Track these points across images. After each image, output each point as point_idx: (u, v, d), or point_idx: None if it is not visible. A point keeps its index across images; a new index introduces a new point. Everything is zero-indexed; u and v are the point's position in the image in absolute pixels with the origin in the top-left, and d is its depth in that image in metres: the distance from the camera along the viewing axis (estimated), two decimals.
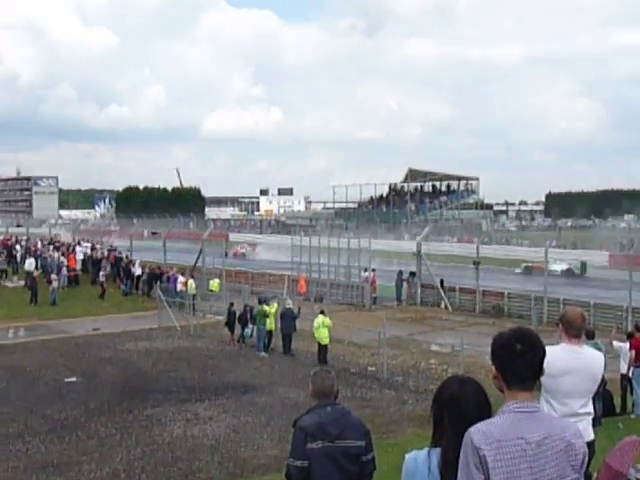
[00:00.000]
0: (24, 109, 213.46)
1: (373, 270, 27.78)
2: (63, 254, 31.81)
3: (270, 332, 18.67)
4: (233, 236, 71.24)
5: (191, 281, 26.46)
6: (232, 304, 20.46)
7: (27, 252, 33.57)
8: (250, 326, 19.48)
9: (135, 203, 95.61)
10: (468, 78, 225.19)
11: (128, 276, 30.12)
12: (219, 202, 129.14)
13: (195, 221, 77.49)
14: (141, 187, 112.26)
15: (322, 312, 17.87)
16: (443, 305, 26.06)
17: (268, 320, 18.54)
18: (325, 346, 17.10)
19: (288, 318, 18.22)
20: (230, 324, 19.95)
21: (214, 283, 28.62)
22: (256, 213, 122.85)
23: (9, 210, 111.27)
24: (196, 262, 31.46)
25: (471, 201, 74.98)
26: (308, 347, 18.00)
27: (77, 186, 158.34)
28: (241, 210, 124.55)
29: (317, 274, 29.08)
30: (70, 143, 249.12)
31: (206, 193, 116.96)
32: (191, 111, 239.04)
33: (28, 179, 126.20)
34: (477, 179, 75.76)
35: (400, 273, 27.67)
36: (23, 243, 36.03)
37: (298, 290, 28.64)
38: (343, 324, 18.92)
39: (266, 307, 18.76)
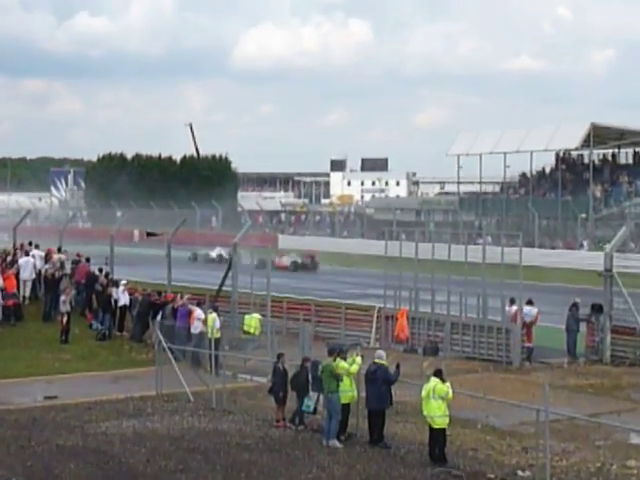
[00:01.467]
0: None
1: (530, 302, 28.64)
2: None
3: (347, 406, 18.86)
4: (285, 240, 71.82)
5: (213, 316, 26.60)
6: (281, 356, 20.51)
7: None
8: (313, 395, 19.55)
9: (118, 183, 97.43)
10: None
11: (107, 306, 30.39)
12: (261, 181, 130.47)
13: (220, 214, 78.43)
14: (128, 156, 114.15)
15: (437, 373, 17.85)
16: None
17: (344, 385, 18.73)
18: (441, 431, 17.31)
19: (378, 382, 18.45)
20: (278, 391, 19.98)
21: (251, 320, 28.74)
22: (324, 201, 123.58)
23: None
24: (222, 284, 31.54)
25: None
26: (413, 432, 18.51)
27: (20, 153, 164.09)
28: (298, 196, 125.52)
29: (428, 307, 29.73)
30: (8, 79, 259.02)
31: (239, 166, 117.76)
32: (215, 27, 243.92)
33: None
34: None
35: (575, 307, 28.59)
36: None
37: (395, 334, 29.51)
38: (473, 395, 19.27)
39: (341, 363, 18.84)
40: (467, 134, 77.98)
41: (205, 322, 26.51)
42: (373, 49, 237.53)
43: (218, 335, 25.78)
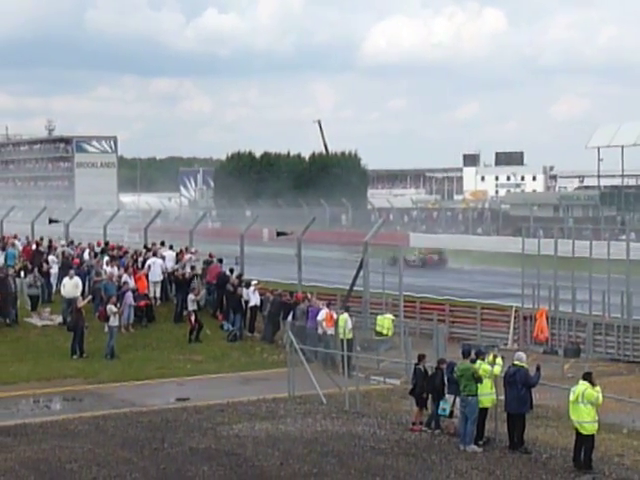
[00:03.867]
0: (59, 25, 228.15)
1: None
2: (127, 270, 32.85)
3: (484, 409, 18.75)
4: (417, 238, 71.55)
5: (344, 317, 26.70)
6: (422, 358, 20.41)
7: (65, 266, 35.03)
8: (449, 397, 19.38)
9: (246, 181, 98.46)
10: None
11: (237, 307, 30.76)
12: (391, 178, 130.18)
13: (350, 212, 78.57)
14: (257, 154, 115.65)
15: (586, 377, 17.48)
16: None
17: (483, 388, 18.57)
18: (589, 437, 17.01)
19: (518, 385, 18.25)
20: (420, 393, 19.96)
21: (384, 320, 28.68)
22: (456, 197, 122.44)
23: (37, 194, 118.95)
24: (353, 283, 31.54)
25: None
26: (554, 437, 18.35)
27: (149, 154, 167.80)
28: (430, 192, 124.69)
29: (569, 306, 29.49)
30: (137, 77, 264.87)
31: (369, 163, 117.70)
32: (343, 21, 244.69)
33: (66, 141, 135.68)
34: None
35: None
36: (60, 251, 37.62)
37: (534, 335, 29.36)
38: (619, 398, 19.04)
39: (478, 364, 18.70)
40: (608, 126, 76.27)
41: (335, 323, 26.61)
42: (508, 39, 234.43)
43: (350, 336, 25.83)
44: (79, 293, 30.82)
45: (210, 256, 35.45)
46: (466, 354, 18.99)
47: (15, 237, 41.17)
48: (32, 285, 32.86)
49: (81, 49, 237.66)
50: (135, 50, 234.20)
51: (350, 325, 26.41)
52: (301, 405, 21.92)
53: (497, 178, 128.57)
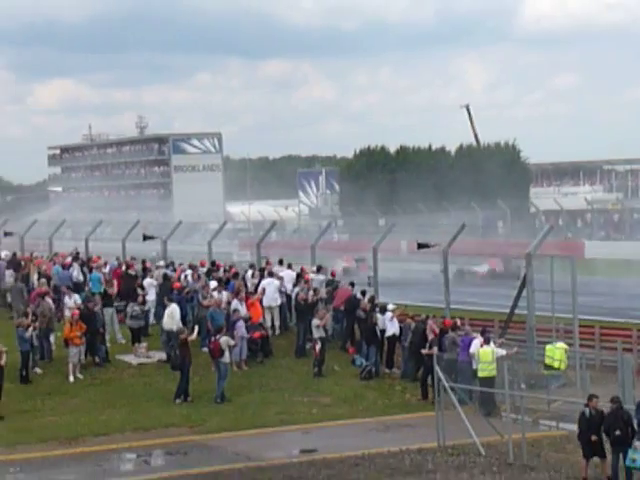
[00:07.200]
0: (149, 2, 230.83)
1: None
2: (237, 295, 33.12)
3: None
4: (594, 247, 70.54)
5: (489, 349, 26.66)
6: (592, 398, 20.28)
7: (164, 292, 35.57)
8: (638, 445, 19.20)
9: (379, 183, 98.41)
10: None
11: (372, 337, 30.78)
12: (559, 174, 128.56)
13: (508, 216, 77.61)
14: (391, 149, 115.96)
15: None
16: None
17: None
18: None
19: None
20: (585, 441, 19.93)
21: (555, 351, 28.26)
22: None
23: (128, 206, 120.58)
24: (515, 305, 31.23)
25: None
26: None
27: (260, 152, 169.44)
28: (609, 190, 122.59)
29: None
30: (245, 60, 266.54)
31: (531, 156, 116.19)
32: None
33: (161, 140, 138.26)
34: None
35: None
36: (158, 273, 38.06)
37: None
38: None
39: None
40: None
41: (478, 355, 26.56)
42: None
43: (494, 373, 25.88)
44: (179, 325, 30.85)
45: (332, 275, 35.61)
46: None
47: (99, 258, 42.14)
48: (134, 316, 33.02)
49: (176, 29, 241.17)
50: (241, 27, 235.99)
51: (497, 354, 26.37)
52: (454, 457, 21.86)
53: None
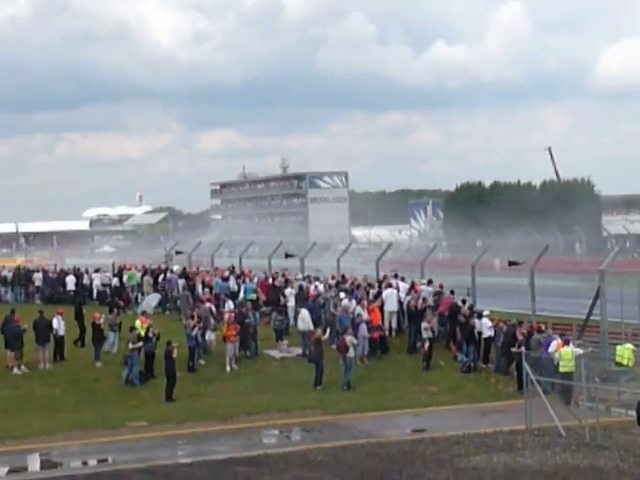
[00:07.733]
0: (290, 62, 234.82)
1: None
2: (359, 302, 33.18)
3: None
4: None
5: (568, 349, 25.99)
6: None
7: (301, 300, 36.02)
8: None
9: (476, 212, 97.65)
10: None
11: (470, 338, 30.57)
12: (627, 204, 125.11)
13: (584, 240, 76.38)
14: (486, 184, 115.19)
15: None
16: None
17: None
18: None
19: None
20: None
21: (624, 351, 27.69)
22: None
23: (273, 230, 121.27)
24: (590, 312, 30.59)
25: None
26: None
27: (379, 187, 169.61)
28: None
29: None
30: (367, 113, 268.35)
31: (603, 189, 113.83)
32: (573, 46, 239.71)
33: (299, 177, 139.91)
34: None
35: None
36: (297, 284, 38.46)
37: None
38: None
39: None
40: None
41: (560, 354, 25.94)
42: None
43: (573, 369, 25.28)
44: (311, 325, 31.57)
45: (440, 287, 35.45)
46: None
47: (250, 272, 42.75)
48: (277, 320, 33.53)
49: (312, 88, 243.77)
50: (364, 86, 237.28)
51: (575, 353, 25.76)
52: (539, 437, 21.60)
53: None
